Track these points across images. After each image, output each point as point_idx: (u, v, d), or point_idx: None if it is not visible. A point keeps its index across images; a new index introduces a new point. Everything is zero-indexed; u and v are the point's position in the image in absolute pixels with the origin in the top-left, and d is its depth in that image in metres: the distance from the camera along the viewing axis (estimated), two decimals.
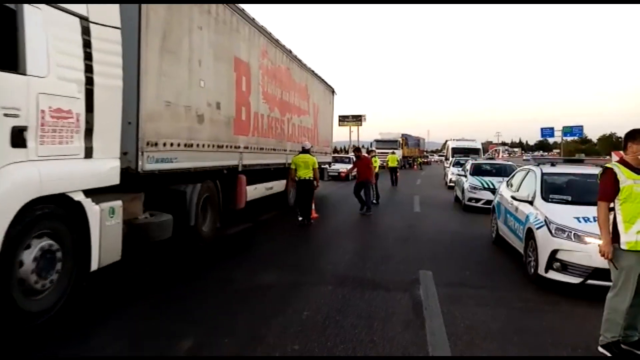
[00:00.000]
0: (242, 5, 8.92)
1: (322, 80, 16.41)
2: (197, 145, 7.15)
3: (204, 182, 7.47)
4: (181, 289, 5.47)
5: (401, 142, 42.46)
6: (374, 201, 14.06)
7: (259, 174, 10.42)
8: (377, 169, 15.33)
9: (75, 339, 3.99)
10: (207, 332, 4.20)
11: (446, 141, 47.67)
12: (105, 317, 4.50)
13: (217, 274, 6.22)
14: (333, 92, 18.49)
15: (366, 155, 14.65)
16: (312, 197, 10.56)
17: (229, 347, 3.89)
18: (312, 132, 14.94)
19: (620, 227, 3.86)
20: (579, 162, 9.07)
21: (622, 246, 3.83)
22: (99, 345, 3.89)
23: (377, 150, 29.94)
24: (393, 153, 29.28)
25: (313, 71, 14.93)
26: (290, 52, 12.36)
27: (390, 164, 22.10)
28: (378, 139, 45.04)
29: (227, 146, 8.34)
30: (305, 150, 10.71)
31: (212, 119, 7.61)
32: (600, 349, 3.95)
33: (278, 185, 11.92)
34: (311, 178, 10.22)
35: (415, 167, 48.05)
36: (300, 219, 10.34)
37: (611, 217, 3.99)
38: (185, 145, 6.75)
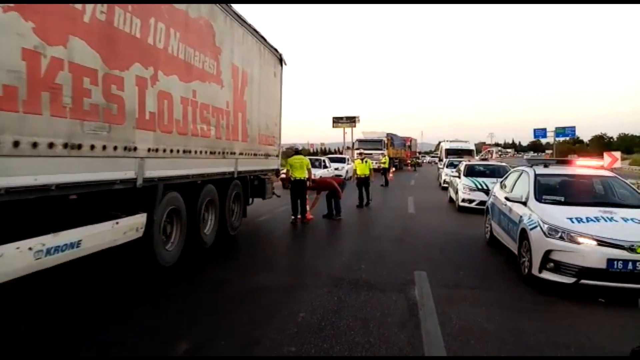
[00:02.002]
0: None
1: (255, 32, 9.38)
2: None
3: None
4: (177, 291, 5.49)
5: (386, 142, 37.86)
6: (364, 203, 14.10)
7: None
8: (369, 172, 14.60)
9: (72, 342, 3.99)
10: (203, 334, 4.20)
11: (439, 142, 47.80)
12: (102, 319, 4.50)
13: (213, 275, 6.23)
14: (281, 60, 11.46)
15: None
16: (306, 197, 10.98)
17: (225, 350, 3.90)
18: (229, 118, 8.15)
19: None
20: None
21: None
22: (96, 347, 3.89)
23: (357, 152, 29.19)
24: (383, 155, 29.24)
25: (230, 7, 8.07)
26: None
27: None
28: (361, 138, 40.51)
29: None
30: (297, 152, 11.64)
31: None
32: None
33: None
34: (305, 178, 10.75)
35: (409, 168, 47.98)
36: (292, 217, 10.72)
37: None
38: None
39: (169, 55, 6.06)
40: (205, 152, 7.15)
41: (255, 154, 9.68)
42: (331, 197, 11.60)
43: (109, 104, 4.76)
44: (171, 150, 6.13)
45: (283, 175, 19.51)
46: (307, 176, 10.84)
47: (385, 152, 33.87)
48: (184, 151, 6.49)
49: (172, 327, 4.36)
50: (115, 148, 4.89)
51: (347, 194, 12.44)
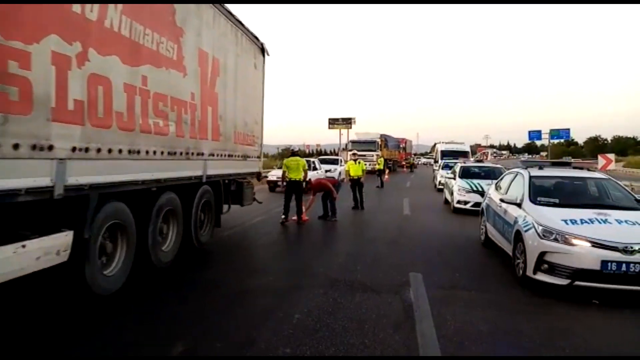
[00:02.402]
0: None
1: (230, 15, 8.26)
2: None
3: None
4: (172, 293, 5.47)
5: (380, 143, 36.93)
6: (357, 205, 13.92)
7: None
8: (363, 174, 14.29)
9: (67, 346, 3.97)
10: (198, 336, 4.19)
11: (435, 144, 47.82)
12: (96, 323, 4.48)
13: (208, 277, 6.22)
14: (263, 50, 10.33)
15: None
16: (302, 198, 11.02)
17: (220, 351, 3.90)
18: (195, 112, 6.96)
19: None
20: (567, 164, 9.20)
21: None
22: (91, 351, 3.88)
23: (350, 153, 28.77)
24: (378, 157, 29.01)
25: None
26: None
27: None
28: (354, 139, 39.59)
29: None
30: (294, 153, 11.50)
31: None
32: None
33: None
34: (301, 179, 10.87)
35: (405, 169, 47.88)
36: (282, 217, 10.80)
37: None
38: None
39: (105, 30, 4.74)
40: (162, 153, 5.92)
41: (230, 155, 8.45)
42: (326, 199, 11.58)
43: (2, 87, 3.53)
44: (110, 150, 4.85)
45: (271, 178, 18.35)
46: (303, 177, 10.93)
47: (379, 153, 33.25)
48: (131, 151, 5.25)
49: (166, 328, 4.35)
50: (15, 147, 3.61)
51: (342, 196, 12.39)
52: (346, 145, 38.77)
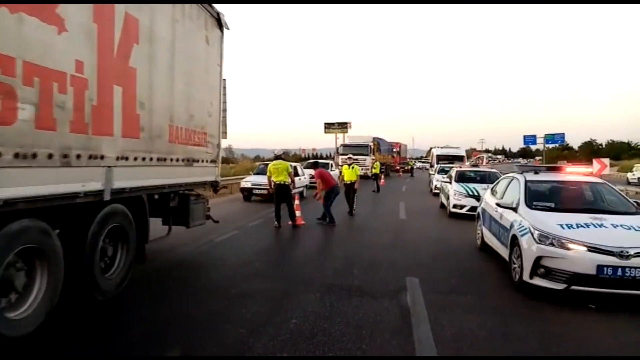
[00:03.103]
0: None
1: None
2: None
3: None
4: (168, 298, 5.44)
5: (372, 147, 35.22)
6: (349, 211, 13.52)
7: None
8: (356, 179, 13.67)
9: (60, 351, 3.94)
10: (194, 341, 4.17)
11: (431, 148, 47.87)
12: (92, 326, 4.45)
13: (203, 282, 6.19)
14: (220, 22, 8.17)
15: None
16: (292, 202, 11.10)
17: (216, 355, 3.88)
18: (86, 92, 4.46)
19: None
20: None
21: None
22: (86, 355, 3.85)
23: (345, 157, 27.37)
24: (374, 161, 28.70)
25: None
26: None
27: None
28: (346, 143, 37.19)
29: None
30: (277, 157, 11.51)
31: None
32: None
33: None
34: (287, 183, 10.86)
35: (400, 174, 47.82)
36: (275, 223, 10.80)
37: None
38: None
39: None
40: (9, 156, 3.56)
41: (162, 159, 6.11)
42: (327, 199, 11.61)
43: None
44: None
45: (245, 184, 16.55)
46: (289, 180, 10.92)
47: (372, 157, 32.65)
48: None
49: (162, 333, 4.33)
50: None
51: (337, 201, 12.35)
52: (337, 149, 36.14)
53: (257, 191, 16.28)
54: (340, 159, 30.77)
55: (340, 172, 16.55)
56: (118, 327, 4.51)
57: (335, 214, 11.65)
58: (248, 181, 16.88)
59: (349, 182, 13.79)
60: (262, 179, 15.07)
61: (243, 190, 16.79)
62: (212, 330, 4.44)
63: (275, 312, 4.97)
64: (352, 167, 14.03)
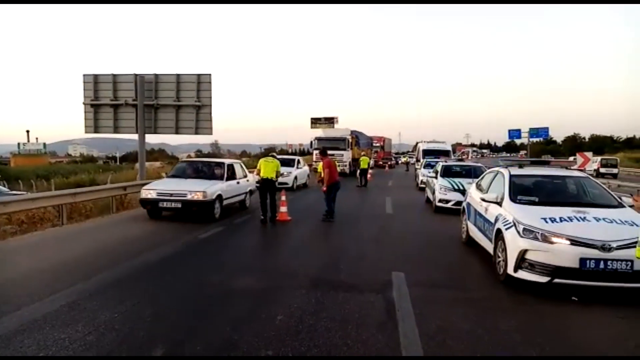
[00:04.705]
0: None
1: None
2: None
3: None
4: (152, 294, 5.38)
5: (350, 141, 31.62)
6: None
7: None
8: (323, 174, 12.06)
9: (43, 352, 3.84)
10: (178, 338, 4.13)
11: (417, 143, 47.94)
12: (76, 321, 4.38)
13: (189, 278, 6.14)
14: None
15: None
16: (275, 197, 11.13)
17: (201, 354, 3.84)
18: None
19: None
20: (545, 163, 9.33)
21: None
22: (70, 352, 3.77)
23: (318, 152, 25.63)
24: (361, 155, 27.78)
25: None
26: None
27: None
28: (320, 136, 32.72)
29: None
30: (270, 154, 11.89)
31: None
32: None
33: None
34: (273, 178, 11.04)
35: (387, 169, 47.59)
36: (262, 217, 10.89)
37: None
38: None
39: None
40: None
41: None
42: (329, 193, 11.58)
43: None
44: None
45: (147, 195, 11.07)
46: (275, 177, 11.12)
47: (350, 152, 30.81)
48: None
49: (146, 330, 4.27)
50: None
51: (321, 198, 12.26)
52: (311, 142, 32.25)
53: (166, 204, 10.62)
54: (315, 154, 29.50)
55: (316, 170, 15.32)
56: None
57: (319, 210, 11.62)
58: (152, 189, 10.90)
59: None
60: (176, 185, 10.90)
61: (144, 201, 10.95)
62: (196, 327, 4.41)
63: (260, 308, 4.95)
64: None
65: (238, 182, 12.55)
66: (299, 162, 21.22)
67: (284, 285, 5.83)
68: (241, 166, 13.45)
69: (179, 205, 10.45)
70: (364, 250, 8.06)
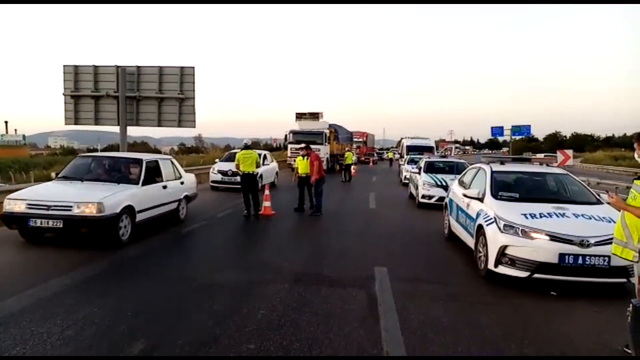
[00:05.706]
0: None
1: None
2: None
3: None
4: (133, 289, 5.33)
5: (329, 135, 29.25)
6: (309, 206, 11.98)
7: None
8: (300, 171, 12.13)
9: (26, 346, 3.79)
10: (159, 332, 4.09)
11: (401, 139, 48.07)
12: (53, 315, 4.31)
13: (170, 272, 6.09)
14: None
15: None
16: (257, 192, 11.17)
17: (182, 348, 3.81)
18: None
19: None
20: (526, 160, 9.45)
21: None
22: (48, 348, 3.72)
23: (295, 147, 24.72)
24: (348, 151, 27.58)
25: None
26: None
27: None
28: (296, 130, 29.97)
29: None
30: (247, 147, 11.54)
31: None
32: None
33: None
34: (254, 172, 11.04)
35: (371, 165, 47.64)
36: (245, 212, 10.90)
37: None
38: None
39: None
40: None
41: None
42: (312, 187, 11.68)
43: None
44: None
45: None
46: (256, 170, 11.17)
47: (328, 147, 28.56)
48: None
49: (127, 324, 4.23)
50: None
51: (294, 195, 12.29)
52: (286, 136, 29.84)
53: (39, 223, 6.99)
54: (290, 148, 28.07)
55: (292, 167, 14.69)
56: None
57: (282, 208, 11.66)
58: (19, 199, 7.26)
59: (304, 175, 12.15)
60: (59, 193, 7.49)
61: (7, 218, 7.44)
62: (178, 321, 4.37)
63: (243, 302, 4.93)
64: (307, 158, 12.21)
65: (165, 187, 9.08)
66: (265, 157, 18.03)
67: (267, 280, 5.82)
68: (172, 164, 10.09)
69: (59, 225, 6.91)
70: (347, 245, 8.08)
